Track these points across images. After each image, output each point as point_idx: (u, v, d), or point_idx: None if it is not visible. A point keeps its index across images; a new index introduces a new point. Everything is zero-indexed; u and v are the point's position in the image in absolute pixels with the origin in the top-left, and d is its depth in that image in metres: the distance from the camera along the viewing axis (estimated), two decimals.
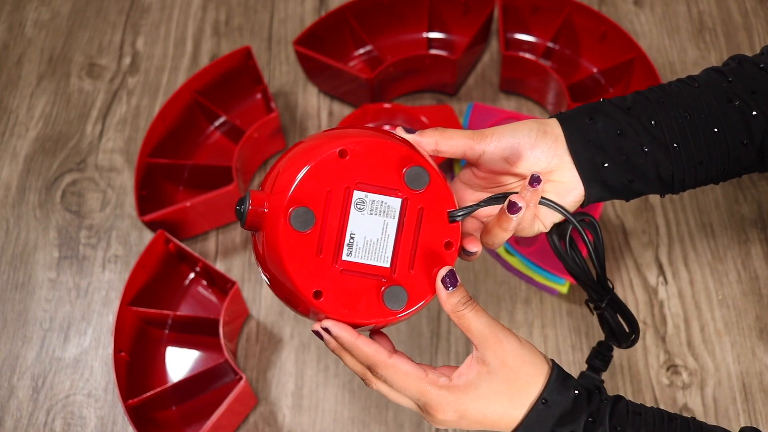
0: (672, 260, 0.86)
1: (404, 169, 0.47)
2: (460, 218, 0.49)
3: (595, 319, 0.82)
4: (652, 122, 0.54)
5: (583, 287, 0.58)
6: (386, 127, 0.93)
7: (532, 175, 0.49)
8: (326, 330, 0.47)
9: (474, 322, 0.48)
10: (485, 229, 0.53)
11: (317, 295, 0.46)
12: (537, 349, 0.50)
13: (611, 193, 0.55)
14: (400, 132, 0.51)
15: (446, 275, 0.47)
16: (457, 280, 0.48)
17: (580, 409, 0.47)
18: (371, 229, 0.47)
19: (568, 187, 0.54)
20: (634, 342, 0.60)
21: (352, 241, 0.47)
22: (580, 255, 0.56)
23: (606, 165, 0.53)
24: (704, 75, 0.57)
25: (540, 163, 0.53)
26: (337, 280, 0.47)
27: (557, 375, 0.49)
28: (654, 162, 0.54)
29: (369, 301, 0.47)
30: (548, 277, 0.81)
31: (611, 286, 0.57)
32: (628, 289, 0.84)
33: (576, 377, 0.51)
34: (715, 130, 0.54)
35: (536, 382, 0.48)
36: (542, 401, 0.47)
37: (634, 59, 0.93)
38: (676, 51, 1.02)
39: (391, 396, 0.49)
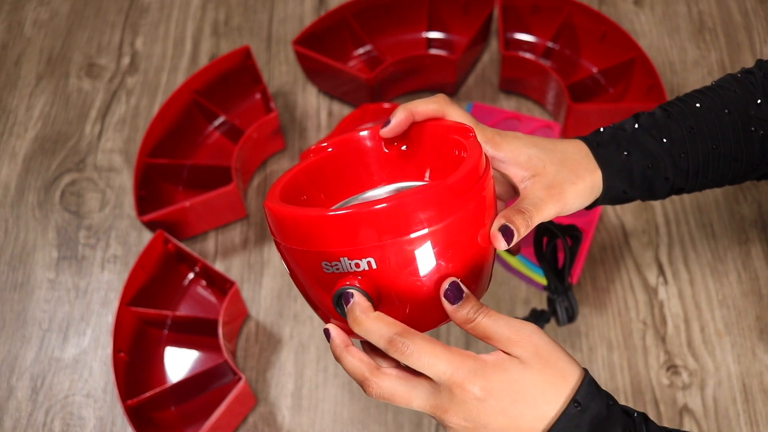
0: (672, 260, 0.86)
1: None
2: None
3: (595, 320, 0.82)
4: (681, 155, 0.55)
5: (548, 278, 0.63)
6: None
7: None
8: (348, 294, 0.43)
9: (491, 327, 0.43)
10: None
11: None
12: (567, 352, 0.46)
13: (615, 204, 0.57)
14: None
15: (449, 289, 0.44)
16: (462, 292, 0.44)
17: (615, 417, 0.43)
18: None
19: (581, 203, 0.54)
20: (570, 322, 0.66)
21: None
22: (555, 255, 0.62)
23: (626, 192, 0.55)
24: (738, 98, 0.57)
25: (576, 204, 0.53)
26: None
27: (590, 379, 0.44)
28: (671, 185, 0.56)
29: None
30: None
31: (570, 284, 0.63)
32: (628, 289, 0.84)
33: None
34: (735, 159, 0.56)
35: (570, 378, 0.43)
36: (575, 404, 0.42)
37: (634, 59, 0.93)
38: (676, 51, 1.02)
39: (396, 395, 0.44)
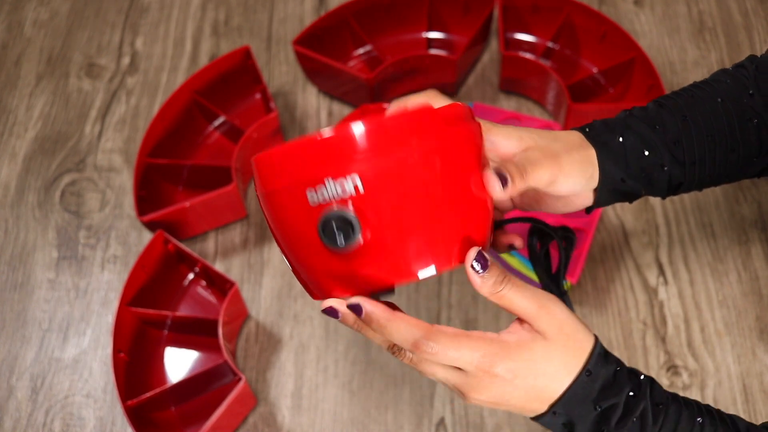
0: (672, 260, 0.86)
1: None
2: None
3: (595, 320, 0.82)
4: (676, 143, 0.55)
5: (543, 283, 0.61)
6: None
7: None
8: (356, 307, 0.43)
9: (517, 299, 0.44)
10: None
11: None
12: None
13: (617, 200, 0.57)
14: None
15: (477, 258, 0.43)
16: (487, 261, 0.43)
17: (622, 382, 0.46)
18: None
19: (580, 201, 0.54)
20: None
21: None
22: (549, 259, 0.60)
23: (624, 180, 0.55)
24: (729, 88, 0.57)
25: (572, 175, 0.52)
26: None
27: (601, 347, 0.46)
28: (669, 176, 0.56)
29: None
30: None
31: (566, 290, 0.61)
32: (628, 290, 0.84)
33: None
34: (732, 150, 0.56)
35: (587, 347, 0.45)
36: (586, 372, 0.45)
37: (634, 59, 0.93)
38: (676, 51, 1.02)
39: (424, 366, 0.45)
